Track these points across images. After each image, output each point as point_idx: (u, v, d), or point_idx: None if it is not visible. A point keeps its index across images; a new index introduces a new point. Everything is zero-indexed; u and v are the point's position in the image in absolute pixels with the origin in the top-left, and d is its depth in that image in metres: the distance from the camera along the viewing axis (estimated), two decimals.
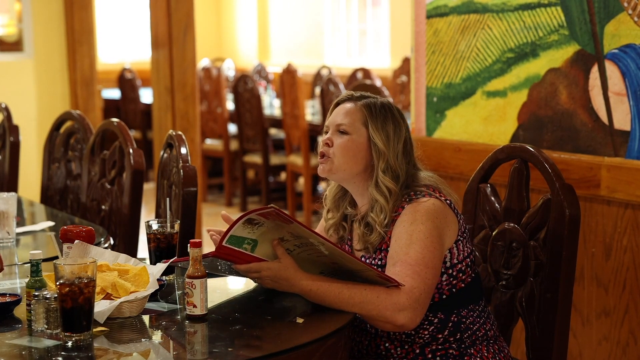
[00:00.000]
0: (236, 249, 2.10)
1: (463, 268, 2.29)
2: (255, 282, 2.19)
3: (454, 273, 2.28)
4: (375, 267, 2.26)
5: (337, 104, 2.39)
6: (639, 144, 2.83)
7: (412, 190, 2.29)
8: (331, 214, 2.43)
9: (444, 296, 2.28)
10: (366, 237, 2.30)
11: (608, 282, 2.95)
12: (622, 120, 2.87)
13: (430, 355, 2.27)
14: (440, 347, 2.27)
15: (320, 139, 2.40)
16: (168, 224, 2.42)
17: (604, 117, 2.93)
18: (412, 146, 2.37)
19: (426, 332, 2.27)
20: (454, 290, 2.29)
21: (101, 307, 2.00)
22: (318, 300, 2.13)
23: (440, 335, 2.27)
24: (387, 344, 2.29)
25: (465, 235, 2.31)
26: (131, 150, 3.28)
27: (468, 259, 2.31)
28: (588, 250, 3.00)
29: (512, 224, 2.49)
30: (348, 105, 2.36)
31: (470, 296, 2.32)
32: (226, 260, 2.13)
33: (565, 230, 2.34)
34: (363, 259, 2.31)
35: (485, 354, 2.29)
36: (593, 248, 2.98)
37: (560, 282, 2.35)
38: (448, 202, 2.28)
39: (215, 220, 7.25)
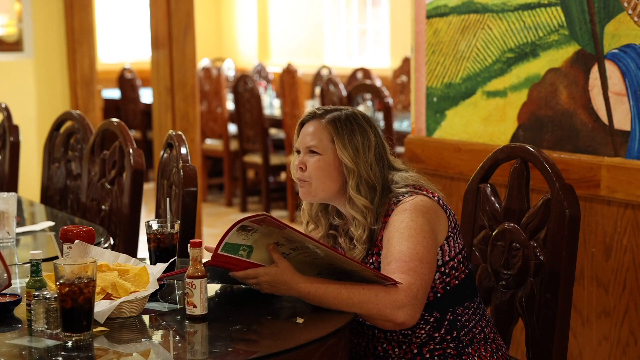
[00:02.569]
0: (232, 256, 2.10)
1: (455, 265, 2.29)
2: (253, 288, 2.19)
3: (447, 270, 2.28)
4: (371, 266, 2.26)
5: (302, 124, 2.37)
6: (639, 144, 2.83)
7: (396, 192, 2.28)
8: (312, 227, 2.43)
9: (439, 294, 2.28)
10: (351, 252, 2.30)
11: (608, 282, 2.95)
12: (622, 120, 2.87)
13: (428, 355, 2.27)
14: (437, 346, 2.27)
15: (292, 163, 2.38)
16: (168, 224, 2.42)
17: (604, 117, 2.93)
18: (385, 149, 2.36)
19: (423, 332, 2.27)
20: (447, 288, 2.29)
21: (101, 307, 2.00)
22: (317, 302, 2.13)
23: (437, 334, 2.27)
24: (384, 345, 2.29)
25: (455, 231, 2.30)
26: (131, 150, 3.28)
27: (460, 255, 2.31)
28: (588, 250, 3.00)
29: (512, 224, 2.49)
30: (313, 124, 2.34)
31: (465, 293, 2.32)
32: (223, 268, 2.13)
33: (565, 230, 2.34)
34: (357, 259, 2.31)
35: (483, 353, 2.29)
36: (593, 248, 2.98)
37: (560, 282, 2.35)
38: (436, 198, 2.28)
39: (215, 220, 7.25)
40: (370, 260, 2.28)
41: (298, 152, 2.36)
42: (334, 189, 2.32)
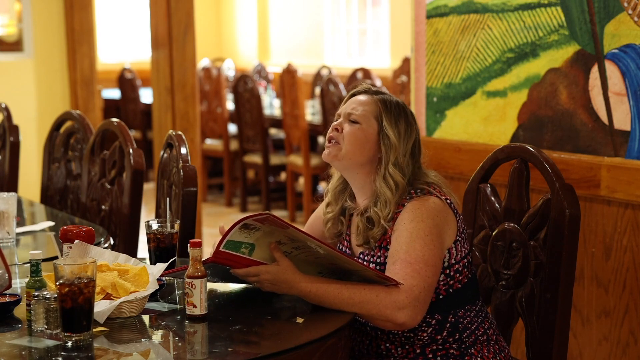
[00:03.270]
0: (234, 253, 2.10)
1: (460, 268, 2.29)
2: (254, 286, 2.19)
3: (451, 273, 2.28)
4: (373, 266, 2.26)
5: (353, 95, 2.39)
6: (639, 144, 2.83)
7: (414, 187, 2.29)
8: (330, 208, 2.43)
9: (441, 296, 2.28)
10: (368, 232, 2.29)
11: (608, 282, 2.95)
12: (622, 120, 2.87)
13: (430, 355, 2.27)
14: (440, 347, 2.27)
15: (331, 126, 2.39)
16: (168, 224, 2.42)
17: (604, 117, 2.93)
18: (421, 150, 2.37)
19: (425, 334, 2.27)
20: (450, 290, 2.29)
21: (101, 307, 2.00)
22: (318, 301, 2.13)
23: (439, 337, 2.27)
24: (387, 344, 2.29)
25: (463, 235, 2.31)
26: (131, 150, 3.28)
27: (465, 260, 2.31)
28: (588, 250, 3.00)
29: (512, 224, 2.49)
30: (363, 96, 2.37)
31: (467, 297, 2.32)
32: (225, 265, 2.13)
33: (565, 230, 2.34)
34: (362, 255, 2.31)
35: (486, 354, 2.29)
36: (593, 248, 2.98)
37: (560, 282, 2.35)
38: (448, 201, 2.28)
39: (215, 220, 7.24)
40: (378, 254, 2.28)
41: (337, 120, 2.37)
42: (360, 161, 2.32)
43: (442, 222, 2.24)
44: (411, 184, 2.31)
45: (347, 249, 2.40)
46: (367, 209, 2.32)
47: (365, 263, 2.28)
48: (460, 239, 2.29)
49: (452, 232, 2.27)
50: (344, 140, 2.32)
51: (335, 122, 2.36)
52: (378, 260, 2.28)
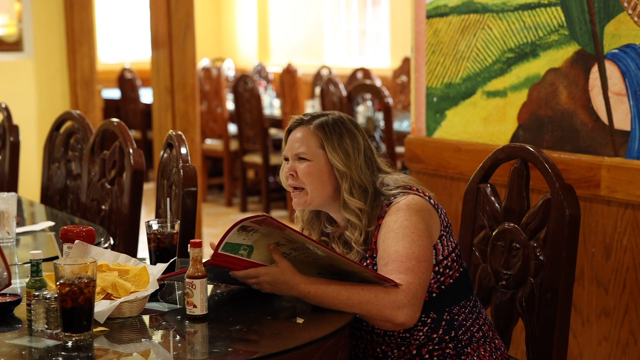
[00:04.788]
0: (232, 255, 2.10)
1: (449, 264, 2.29)
2: (253, 287, 2.19)
3: (441, 270, 2.28)
4: (371, 268, 2.26)
5: (289, 131, 2.37)
6: (639, 144, 2.83)
7: (388, 195, 2.28)
8: (307, 233, 2.42)
9: (434, 294, 2.28)
10: (346, 256, 2.30)
11: (608, 282, 2.95)
12: (622, 120, 2.87)
13: (427, 356, 2.27)
14: (436, 346, 2.27)
15: (281, 170, 2.37)
16: (168, 224, 2.42)
17: (604, 117, 2.93)
18: (373, 152, 2.36)
19: (421, 334, 2.27)
20: (442, 287, 2.28)
21: (101, 307, 2.01)
22: (317, 302, 2.13)
23: (435, 335, 2.27)
24: (383, 347, 2.29)
25: (447, 229, 2.30)
26: (131, 150, 3.28)
27: (453, 254, 2.30)
28: (588, 250, 3.00)
29: (512, 224, 2.49)
30: (300, 130, 2.34)
31: (460, 291, 2.31)
32: (223, 267, 2.13)
33: (565, 230, 2.34)
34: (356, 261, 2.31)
35: (482, 353, 2.29)
36: (593, 248, 2.98)
37: (560, 282, 2.35)
38: (427, 197, 2.28)
39: (215, 220, 7.25)
40: (365, 263, 2.28)
41: (286, 159, 2.35)
42: (327, 194, 2.31)
43: (427, 218, 2.24)
44: (380, 193, 2.29)
45: None
46: (342, 233, 2.33)
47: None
48: (445, 233, 2.29)
49: (436, 227, 2.27)
50: (304, 184, 2.31)
51: (287, 168, 2.34)
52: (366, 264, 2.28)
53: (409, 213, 2.21)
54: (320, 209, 2.37)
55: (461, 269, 2.33)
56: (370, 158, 2.34)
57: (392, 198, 2.26)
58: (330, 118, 2.33)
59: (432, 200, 2.29)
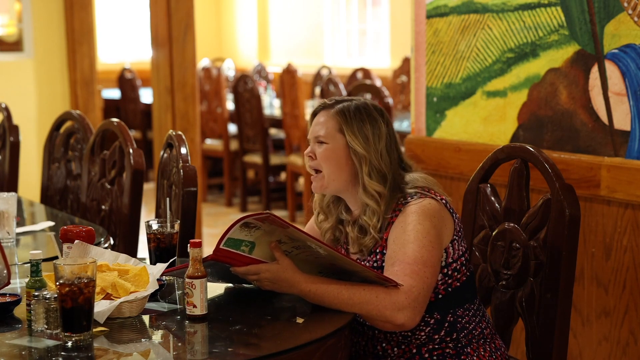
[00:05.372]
0: (234, 251, 2.10)
1: (458, 267, 2.30)
2: (253, 284, 2.19)
3: (449, 272, 2.28)
4: (372, 268, 2.26)
5: (314, 115, 2.39)
6: (639, 144, 2.83)
7: (405, 193, 2.29)
8: (323, 217, 2.43)
9: (440, 296, 2.28)
10: (360, 240, 2.30)
11: (608, 282, 2.95)
12: (622, 120, 2.87)
13: (427, 355, 2.27)
14: (437, 346, 2.28)
15: (306, 153, 2.39)
16: (168, 224, 2.42)
17: (604, 117, 2.93)
18: (396, 140, 2.36)
19: (423, 333, 2.27)
20: (449, 289, 2.29)
21: (101, 307, 2.01)
22: (317, 301, 2.13)
23: (436, 336, 2.27)
24: (384, 344, 2.29)
25: (460, 234, 2.31)
26: (131, 150, 3.28)
27: (463, 258, 2.31)
28: (588, 250, 3.00)
29: (512, 224, 2.49)
30: (323, 114, 2.35)
31: (466, 295, 2.32)
32: (224, 263, 2.13)
33: (565, 230, 2.34)
34: (359, 261, 2.31)
35: (482, 353, 2.30)
36: (593, 248, 2.98)
37: (560, 282, 2.35)
38: (444, 201, 2.28)
39: (215, 220, 7.25)
40: (374, 258, 2.28)
41: (309, 143, 2.38)
42: (344, 178, 2.31)
43: (440, 223, 2.24)
44: (399, 187, 2.30)
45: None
46: (359, 218, 2.33)
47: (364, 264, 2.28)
48: (457, 237, 2.30)
49: (449, 231, 2.27)
50: (321, 166, 2.32)
51: (307, 149, 2.36)
52: (375, 265, 2.28)
53: (422, 217, 2.22)
54: (338, 194, 2.37)
55: (468, 273, 2.33)
56: (392, 146, 2.34)
57: (409, 198, 2.27)
58: (353, 103, 2.34)
59: (447, 205, 2.29)
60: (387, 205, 2.28)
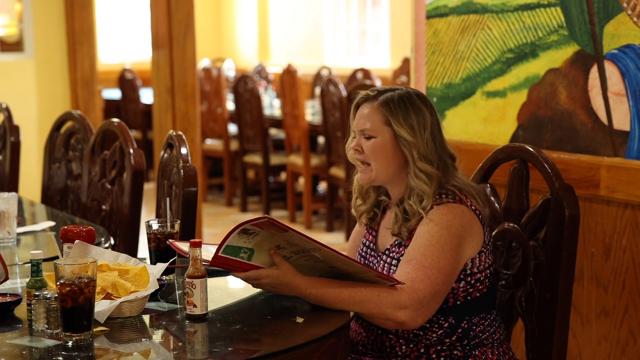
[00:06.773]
0: (233, 258, 2.10)
1: (482, 278, 2.29)
2: (254, 287, 2.19)
3: (472, 281, 2.28)
4: (373, 268, 2.26)
5: (357, 106, 2.38)
6: (639, 144, 2.84)
7: (444, 189, 2.28)
8: (360, 202, 2.43)
9: (458, 302, 2.28)
10: (404, 222, 2.28)
11: (607, 282, 2.95)
12: (621, 120, 2.88)
13: (434, 355, 2.27)
14: (445, 348, 2.28)
15: (347, 145, 2.39)
16: (168, 224, 2.42)
17: (603, 117, 2.93)
18: (441, 128, 2.36)
19: (434, 335, 2.27)
20: (468, 297, 2.29)
21: (101, 307, 2.01)
22: (318, 301, 2.13)
23: (447, 340, 2.27)
24: (392, 341, 2.29)
25: (489, 247, 2.31)
26: (131, 150, 3.28)
27: (487, 271, 2.31)
28: (588, 250, 3.00)
29: (512, 224, 2.49)
30: (367, 107, 2.34)
31: (484, 305, 2.32)
32: (223, 269, 2.13)
33: (564, 230, 2.35)
34: (387, 252, 2.31)
35: (490, 356, 2.29)
36: (592, 248, 2.98)
37: (559, 282, 2.36)
38: (477, 212, 2.28)
39: (215, 220, 7.25)
40: (403, 252, 2.27)
41: (353, 137, 2.37)
42: (392, 170, 2.31)
43: (466, 233, 2.24)
44: (441, 181, 2.29)
45: (371, 243, 2.40)
46: (402, 200, 2.31)
47: (388, 260, 2.28)
48: (485, 250, 2.29)
49: (476, 243, 2.26)
50: (369, 159, 2.32)
51: (353, 142, 2.35)
52: (401, 257, 2.28)
53: (450, 223, 2.22)
54: (384, 184, 2.37)
55: (490, 286, 2.33)
56: (436, 134, 2.33)
57: (444, 197, 2.26)
58: (396, 94, 2.33)
59: (480, 217, 2.29)
60: (438, 185, 2.27)
